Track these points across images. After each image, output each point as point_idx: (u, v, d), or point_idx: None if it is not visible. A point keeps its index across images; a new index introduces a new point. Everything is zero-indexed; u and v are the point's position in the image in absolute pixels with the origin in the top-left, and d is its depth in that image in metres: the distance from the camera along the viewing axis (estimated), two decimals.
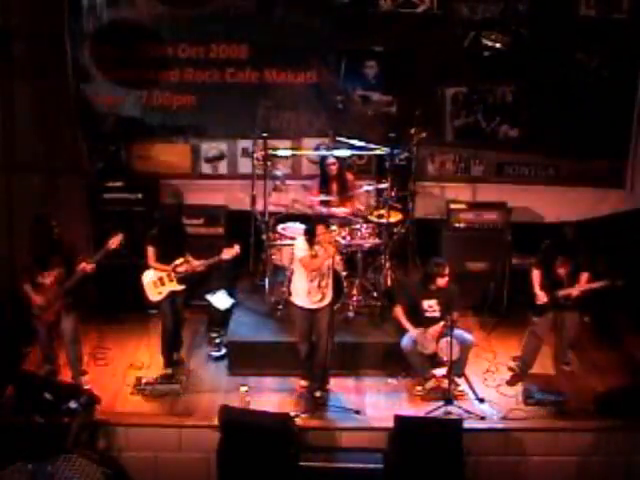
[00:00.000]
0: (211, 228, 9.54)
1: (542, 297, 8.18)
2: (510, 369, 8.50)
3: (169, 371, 8.42)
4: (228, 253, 8.27)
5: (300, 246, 7.95)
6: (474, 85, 9.81)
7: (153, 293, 8.36)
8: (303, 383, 8.25)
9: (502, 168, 10.04)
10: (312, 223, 7.95)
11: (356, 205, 9.28)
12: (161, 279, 8.31)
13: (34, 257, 7.87)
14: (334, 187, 9.21)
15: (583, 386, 8.38)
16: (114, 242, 7.91)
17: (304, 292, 7.96)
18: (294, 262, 8.17)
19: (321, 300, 7.97)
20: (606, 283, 8.10)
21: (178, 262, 8.27)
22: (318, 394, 8.09)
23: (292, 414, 7.70)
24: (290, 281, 8.29)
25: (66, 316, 7.98)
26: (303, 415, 7.82)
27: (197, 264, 8.31)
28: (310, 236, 7.86)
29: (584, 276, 8.17)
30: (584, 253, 8.20)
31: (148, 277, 8.34)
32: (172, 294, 8.36)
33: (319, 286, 7.93)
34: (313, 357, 8.14)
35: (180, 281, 8.33)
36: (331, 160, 9.17)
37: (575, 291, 8.14)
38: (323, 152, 9.57)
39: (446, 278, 8.12)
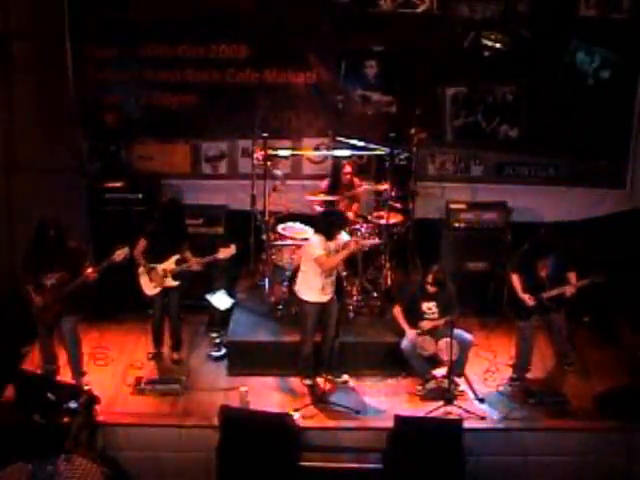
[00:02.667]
0: (211, 228, 9.53)
1: (529, 300, 8.15)
2: (511, 379, 8.47)
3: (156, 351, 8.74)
4: (224, 253, 8.32)
5: (316, 244, 7.96)
6: (474, 85, 9.80)
7: (149, 287, 8.42)
8: (308, 382, 8.26)
9: (502, 168, 10.03)
10: (335, 223, 7.99)
11: (359, 207, 9.31)
12: (156, 275, 8.36)
13: (38, 258, 7.85)
14: (343, 191, 9.23)
15: (583, 386, 8.39)
16: (120, 255, 7.93)
17: (318, 289, 8.01)
18: (304, 260, 8.15)
19: (331, 291, 8.09)
20: (588, 281, 8.07)
21: (171, 261, 8.33)
22: (344, 377, 8.29)
23: (294, 411, 7.76)
24: (296, 279, 8.30)
25: (66, 318, 7.99)
26: (306, 409, 7.87)
27: (193, 262, 8.34)
28: (330, 234, 7.91)
29: (572, 275, 8.16)
30: (562, 252, 8.17)
31: (143, 270, 8.38)
32: (167, 289, 8.42)
33: (332, 281, 8.05)
34: (321, 350, 8.21)
35: (175, 277, 8.38)
36: (348, 169, 9.23)
37: (570, 290, 8.11)
38: (323, 152, 9.59)
39: (431, 287, 8.18)
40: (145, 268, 8.35)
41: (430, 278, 8.17)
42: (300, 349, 8.26)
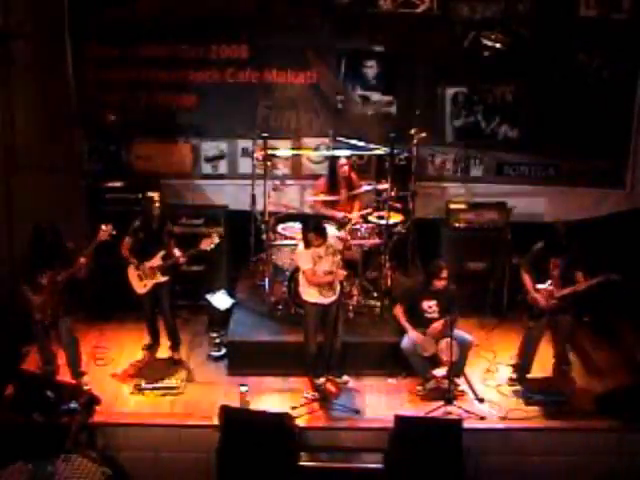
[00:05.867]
0: (211, 228, 9.53)
1: (542, 299, 8.15)
2: (511, 379, 8.47)
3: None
4: (206, 243, 8.40)
5: (301, 256, 8.03)
6: (474, 85, 9.81)
7: (139, 286, 8.48)
8: (320, 381, 8.23)
9: (502, 168, 10.04)
10: (309, 230, 7.98)
11: (360, 205, 9.29)
12: (145, 272, 8.40)
13: (34, 259, 7.88)
14: (342, 188, 9.22)
15: (583, 386, 8.39)
16: (104, 233, 8.04)
17: (317, 292, 8.06)
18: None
19: (333, 294, 8.09)
20: (603, 278, 8.04)
21: (158, 257, 8.39)
22: (344, 378, 8.31)
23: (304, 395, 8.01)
24: (296, 280, 8.33)
25: (62, 319, 8.00)
26: (311, 395, 8.02)
27: (178, 256, 8.41)
28: (307, 242, 7.94)
29: (579, 275, 8.13)
30: (575, 251, 8.16)
31: (133, 270, 8.44)
32: (157, 285, 8.47)
33: (331, 284, 8.05)
34: (324, 349, 8.19)
35: (164, 273, 8.44)
36: (343, 161, 9.18)
37: (581, 286, 8.05)
38: (323, 152, 9.59)
39: (444, 282, 8.14)
40: (135, 266, 8.41)
41: (445, 273, 8.11)
42: (304, 349, 8.27)
